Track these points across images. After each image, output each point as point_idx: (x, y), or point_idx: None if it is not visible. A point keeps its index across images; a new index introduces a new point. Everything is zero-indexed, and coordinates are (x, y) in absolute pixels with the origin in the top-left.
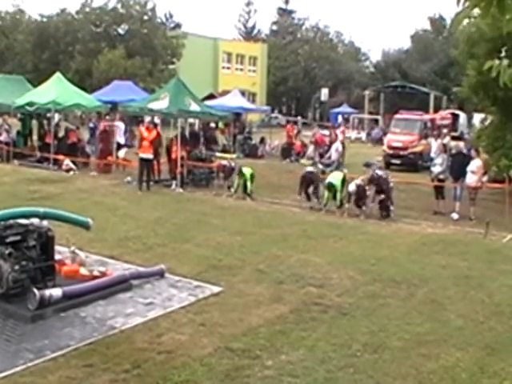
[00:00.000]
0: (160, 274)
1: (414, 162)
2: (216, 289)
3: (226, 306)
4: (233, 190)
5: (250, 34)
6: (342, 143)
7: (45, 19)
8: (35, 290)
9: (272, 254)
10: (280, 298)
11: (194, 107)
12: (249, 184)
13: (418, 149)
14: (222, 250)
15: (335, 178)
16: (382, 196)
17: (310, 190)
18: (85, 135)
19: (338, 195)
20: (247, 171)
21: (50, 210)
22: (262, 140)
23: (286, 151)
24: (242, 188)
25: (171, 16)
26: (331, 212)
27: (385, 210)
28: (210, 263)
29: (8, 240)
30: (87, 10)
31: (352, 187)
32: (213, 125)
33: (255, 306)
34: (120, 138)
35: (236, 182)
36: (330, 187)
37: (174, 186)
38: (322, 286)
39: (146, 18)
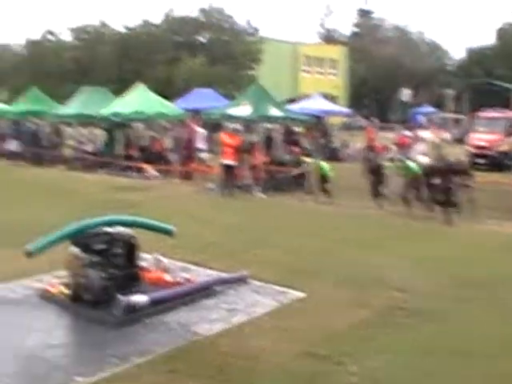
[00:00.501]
0: (243, 280)
1: (499, 162)
2: (299, 294)
3: (309, 311)
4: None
5: (329, 37)
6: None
7: (128, 31)
8: (121, 297)
9: (354, 257)
10: (363, 303)
11: (275, 112)
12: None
13: (504, 148)
14: (304, 255)
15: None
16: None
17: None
18: (168, 143)
19: None
20: (325, 165)
21: (134, 218)
22: (344, 143)
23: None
24: (319, 183)
25: (250, 22)
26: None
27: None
28: (291, 268)
29: (95, 248)
30: (169, 20)
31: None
32: (296, 129)
33: (338, 310)
34: (201, 145)
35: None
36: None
37: (255, 192)
38: (406, 290)
39: (225, 25)
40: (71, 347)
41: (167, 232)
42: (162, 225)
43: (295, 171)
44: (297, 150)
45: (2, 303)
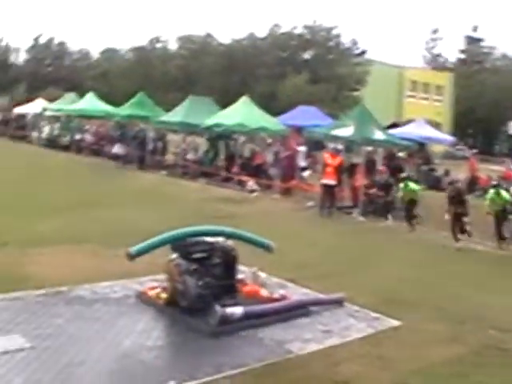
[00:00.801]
0: (339, 303)
1: None
2: (394, 322)
3: (404, 341)
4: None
5: (435, 62)
6: None
7: (233, 43)
8: (217, 307)
9: (453, 291)
10: (459, 338)
11: (378, 135)
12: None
13: None
14: (401, 284)
15: None
16: None
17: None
18: (269, 157)
19: None
20: (415, 187)
21: (235, 230)
22: (447, 172)
23: (470, 185)
24: (408, 207)
25: (356, 43)
26: None
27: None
28: (388, 296)
29: (194, 256)
30: (275, 35)
31: None
32: (401, 154)
33: (433, 343)
34: (302, 162)
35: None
36: None
37: (355, 214)
38: (506, 331)
39: (331, 44)
40: (166, 351)
41: (266, 247)
42: (262, 239)
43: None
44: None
45: (104, 302)
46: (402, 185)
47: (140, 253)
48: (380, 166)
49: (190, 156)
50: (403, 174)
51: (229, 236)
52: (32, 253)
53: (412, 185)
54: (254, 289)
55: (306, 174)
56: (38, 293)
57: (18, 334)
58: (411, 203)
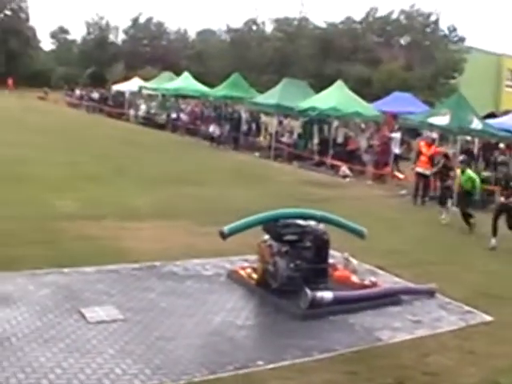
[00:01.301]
0: (430, 294)
1: None
2: (486, 317)
3: (496, 336)
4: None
5: None
6: None
7: (329, 27)
8: (307, 290)
9: None
10: None
11: (476, 125)
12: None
13: None
14: (493, 278)
15: None
16: None
17: None
18: (363, 143)
19: None
20: (473, 174)
21: (327, 215)
22: None
23: None
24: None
25: (455, 29)
26: None
27: None
28: (479, 290)
29: (285, 238)
30: (371, 19)
31: None
32: (502, 145)
33: None
34: (396, 149)
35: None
36: None
37: (449, 204)
38: None
39: (428, 29)
40: (255, 331)
41: (359, 233)
42: (355, 225)
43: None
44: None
45: (195, 279)
46: (458, 171)
47: (233, 232)
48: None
49: (285, 139)
50: (460, 158)
51: (320, 220)
52: (128, 227)
53: (470, 173)
54: (345, 274)
55: (399, 160)
56: (133, 266)
57: (111, 306)
58: (465, 196)
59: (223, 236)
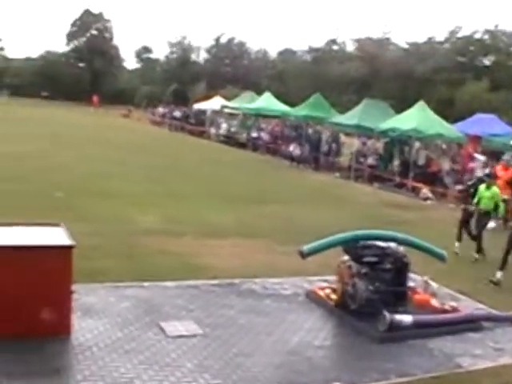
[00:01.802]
0: None
1: None
2: None
3: None
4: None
5: None
6: None
7: (410, 47)
8: (386, 313)
9: None
10: None
11: None
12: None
13: None
14: None
15: None
16: None
17: None
18: (445, 165)
19: None
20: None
21: (408, 237)
22: None
23: None
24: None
25: None
26: None
27: None
28: None
29: (365, 259)
30: (454, 39)
31: None
32: None
33: None
34: (480, 172)
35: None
36: None
37: None
38: None
39: None
40: (333, 351)
41: (440, 257)
42: (436, 248)
43: None
44: None
45: (274, 298)
46: (482, 187)
47: (312, 252)
48: None
49: (370, 160)
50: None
51: (401, 242)
52: (208, 244)
53: (496, 190)
54: (425, 298)
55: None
56: (212, 283)
57: (191, 321)
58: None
59: (302, 255)
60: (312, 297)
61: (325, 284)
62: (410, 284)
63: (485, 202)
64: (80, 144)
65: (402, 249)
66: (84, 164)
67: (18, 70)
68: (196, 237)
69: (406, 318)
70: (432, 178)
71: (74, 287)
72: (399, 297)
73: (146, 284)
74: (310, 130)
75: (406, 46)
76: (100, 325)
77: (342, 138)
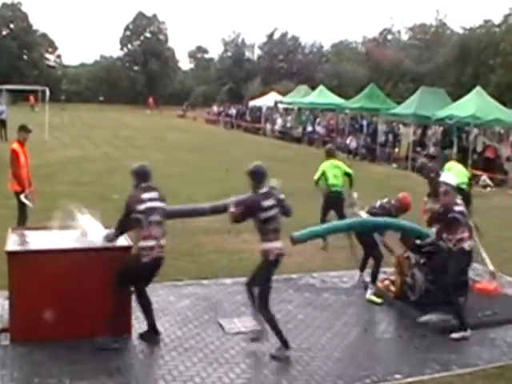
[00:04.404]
0: None
1: None
2: None
3: None
4: None
5: None
6: None
7: (466, 32)
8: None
9: None
10: None
11: None
12: None
13: None
14: None
15: None
16: None
17: None
18: (504, 151)
19: None
20: None
21: (400, 221)
22: None
23: None
24: None
25: None
26: None
27: None
28: None
29: (424, 250)
30: (510, 21)
31: None
32: None
33: None
34: None
35: None
36: None
37: None
38: None
39: None
40: (393, 344)
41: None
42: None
43: None
44: None
45: (333, 291)
46: None
47: (304, 239)
48: None
49: (431, 149)
50: None
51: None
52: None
53: None
54: (487, 287)
55: None
56: None
57: (249, 317)
58: None
59: (293, 242)
60: None
61: (383, 276)
62: (472, 273)
63: None
64: (139, 146)
65: None
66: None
67: (75, 77)
68: (254, 233)
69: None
70: (491, 165)
71: (132, 288)
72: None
73: (204, 282)
74: (366, 122)
75: (461, 31)
76: (159, 324)
77: (402, 129)
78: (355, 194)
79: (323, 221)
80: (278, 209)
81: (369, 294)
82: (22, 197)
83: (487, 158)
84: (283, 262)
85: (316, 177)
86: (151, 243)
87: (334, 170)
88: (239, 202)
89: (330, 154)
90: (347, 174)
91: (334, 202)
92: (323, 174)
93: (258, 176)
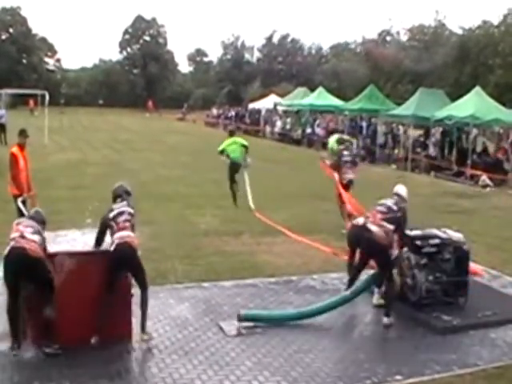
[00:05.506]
0: None
1: None
2: None
3: None
4: None
5: None
6: None
7: (465, 32)
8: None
9: None
10: None
11: None
12: None
13: None
14: None
15: None
16: None
17: None
18: (503, 151)
19: None
20: None
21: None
22: None
23: None
24: None
25: None
26: None
27: None
28: None
29: (424, 250)
30: (509, 21)
31: None
32: None
33: None
34: None
35: None
36: None
37: None
38: None
39: None
40: (393, 344)
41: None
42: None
43: None
44: None
45: (333, 292)
46: None
47: (249, 319)
48: None
49: (431, 150)
50: None
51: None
52: (265, 242)
53: None
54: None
55: None
56: (270, 281)
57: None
58: None
59: (239, 318)
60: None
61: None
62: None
63: None
64: (138, 149)
65: (461, 237)
66: (145, 169)
67: (74, 80)
68: (253, 235)
69: None
70: (490, 165)
71: (133, 291)
72: (460, 286)
73: (204, 284)
74: (365, 123)
75: (460, 32)
76: (160, 327)
77: (401, 129)
78: (249, 160)
79: (232, 182)
80: None
81: (376, 299)
82: (19, 201)
83: (488, 158)
84: (282, 264)
85: (220, 148)
86: None
87: (233, 145)
88: None
89: (231, 134)
90: (244, 146)
91: (234, 168)
92: (225, 148)
93: None
